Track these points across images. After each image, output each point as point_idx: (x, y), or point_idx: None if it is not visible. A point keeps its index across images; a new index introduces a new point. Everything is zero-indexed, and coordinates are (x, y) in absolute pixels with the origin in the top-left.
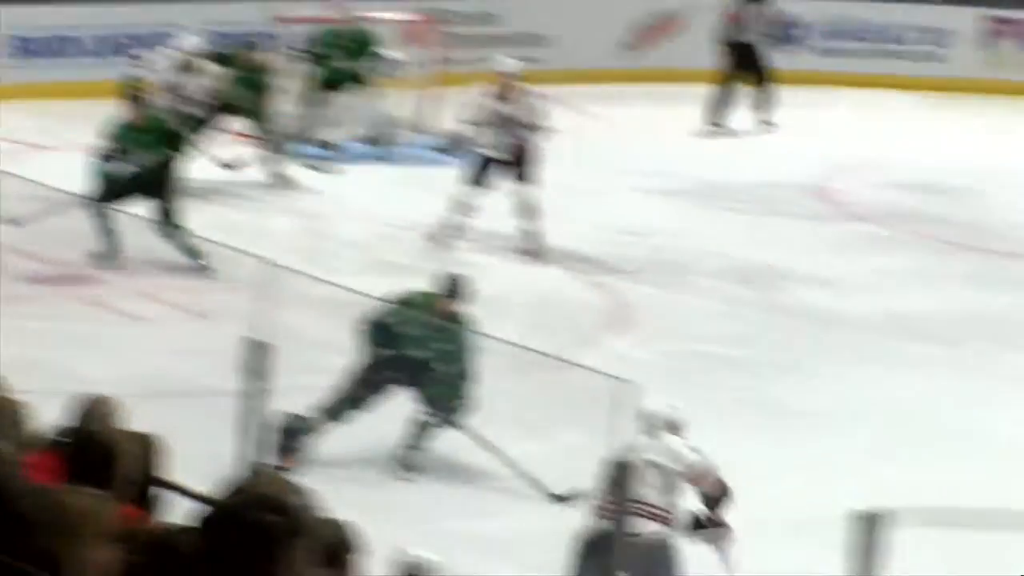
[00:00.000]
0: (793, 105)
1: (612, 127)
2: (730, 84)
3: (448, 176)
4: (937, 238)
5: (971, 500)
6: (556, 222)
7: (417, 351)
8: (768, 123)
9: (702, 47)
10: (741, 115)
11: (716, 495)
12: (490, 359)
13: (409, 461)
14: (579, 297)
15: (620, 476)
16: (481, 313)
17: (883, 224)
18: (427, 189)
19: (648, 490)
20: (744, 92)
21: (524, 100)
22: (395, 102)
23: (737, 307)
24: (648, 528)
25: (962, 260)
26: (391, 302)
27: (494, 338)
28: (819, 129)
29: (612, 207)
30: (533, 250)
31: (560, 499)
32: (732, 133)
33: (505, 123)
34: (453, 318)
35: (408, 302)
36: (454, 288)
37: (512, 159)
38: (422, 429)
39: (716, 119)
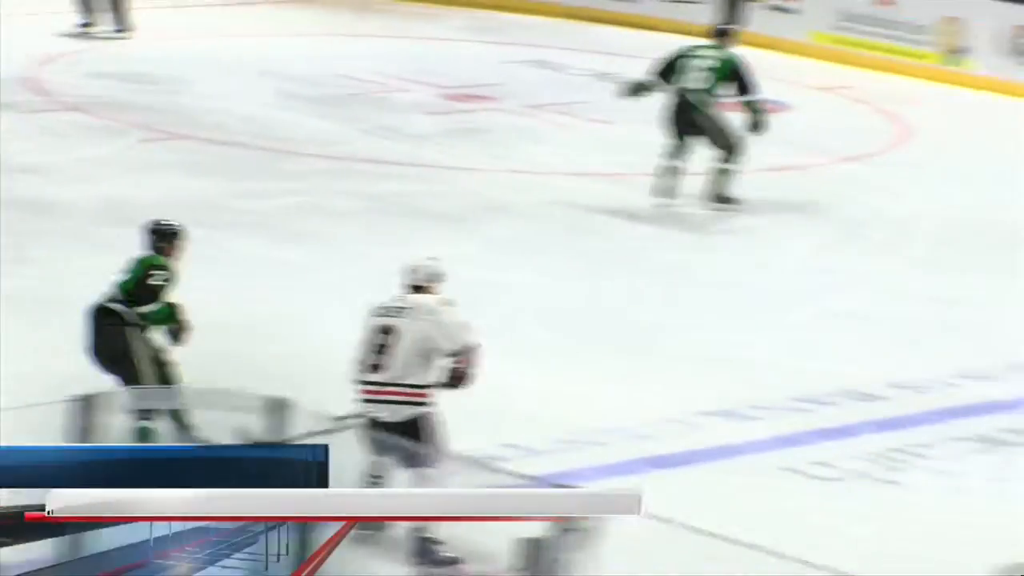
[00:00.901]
0: None
1: None
2: None
3: None
4: (145, 126)
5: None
6: None
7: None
8: (123, 30)
9: None
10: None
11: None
12: None
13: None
14: None
15: None
16: None
17: (92, 113)
18: None
19: (403, 367)
20: None
21: None
22: None
23: None
24: (403, 412)
25: (170, 148)
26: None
27: None
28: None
29: None
30: None
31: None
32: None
33: None
34: None
35: None
36: None
37: None
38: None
39: (85, 19)
